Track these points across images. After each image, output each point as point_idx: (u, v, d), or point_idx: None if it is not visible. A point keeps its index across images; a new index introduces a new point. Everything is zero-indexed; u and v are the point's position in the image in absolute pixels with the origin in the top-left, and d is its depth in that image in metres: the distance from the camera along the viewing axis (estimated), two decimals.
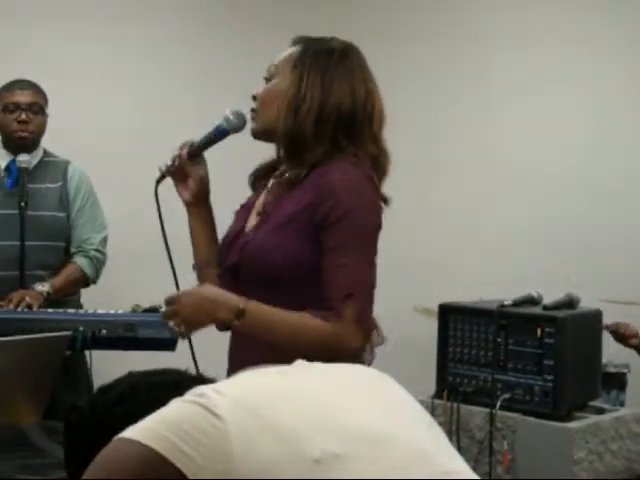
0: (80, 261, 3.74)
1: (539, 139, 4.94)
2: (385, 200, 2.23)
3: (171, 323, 2.12)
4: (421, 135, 4.83)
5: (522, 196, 4.94)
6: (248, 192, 2.37)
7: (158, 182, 2.32)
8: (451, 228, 4.86)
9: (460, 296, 3.74)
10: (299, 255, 2.11)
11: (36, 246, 3.61)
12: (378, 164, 2.20)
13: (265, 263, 2.14)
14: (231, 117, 2.29)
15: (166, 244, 2.32)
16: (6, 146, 3.76)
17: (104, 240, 3.82)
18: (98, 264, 3.78)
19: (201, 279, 2.33)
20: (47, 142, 3.85)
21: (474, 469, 3.40)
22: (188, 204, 2.36)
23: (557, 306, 3.52)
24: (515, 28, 4.99)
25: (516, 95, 4.97)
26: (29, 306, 3.36)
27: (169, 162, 2.32)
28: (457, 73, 4.97)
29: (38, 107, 3.74)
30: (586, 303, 3.66)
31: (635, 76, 4.91)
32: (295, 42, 2.27)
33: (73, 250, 3.76)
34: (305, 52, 2.21)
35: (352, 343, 2.07)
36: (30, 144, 3.74)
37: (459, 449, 3.34)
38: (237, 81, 4.68)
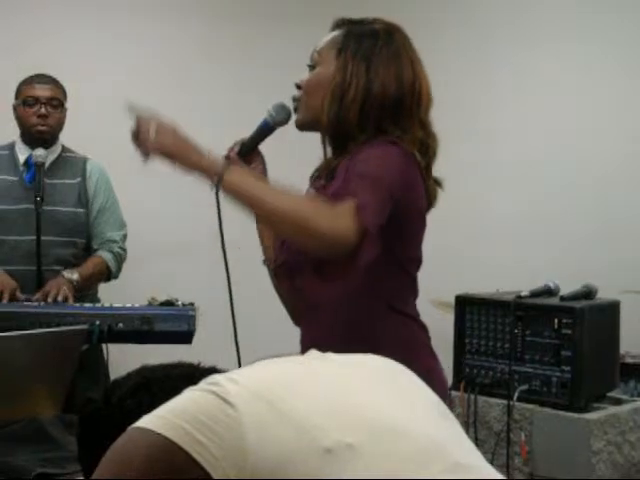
0: (105, 255, 3.76)
1: (553, 130, 4.93)
2: (438, 183, 2.20)
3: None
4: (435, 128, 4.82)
5: (538, 187, 4.93)
6: None
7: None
8: (467, 220, 4.85)
9: (477, 287, 3.73)
10: None
11: (53, 241, 3.62)
12: (427, 148, 2.15)
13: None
14: (273, 111, 2.25)
15: (222, 242, 2.25)
16: (25, 140, 3.77)
17: (124, 237, 3.86)
18: (121, 260, 3.82)
19: (272, 275, 2.30)
20: (64, 138, 3.87)
21: (492, 461, 3.40)
22: None
23: (574, 297, 3.51)
24: (521, 23, 5.00)
25: (526, 87, 4.99)
26: (65, 299, 3.37)
27: None
28: (464, 66, 4.97)
29: (57, 102, 3.75)
30: (605, 294, 3.65)
31: None
32: (337, 25, 2.21)
33: (96, 247, 3.78)
34: (348, 37, 2.15)
35: (348, 232, 1.96)
36: (49, 138, 3.75)
37: (476, 441, 3.34)
38: (254, 78, 4.72)
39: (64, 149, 3.84)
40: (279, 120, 2.25)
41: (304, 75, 2.21)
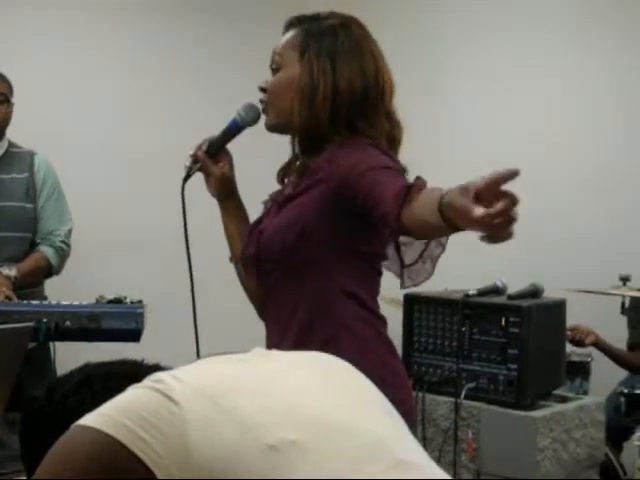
0: (46, 250, 3.72)
1: (507, 130, 4.97)
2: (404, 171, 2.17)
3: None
4: None
5: None
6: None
7: (184, 181, 2.29)
8: None
9: (425, 286, 3.74)
10: (316, 221, 2.06)
11: (4, 237, 3.59)
12: (392, 137, 2.15)
13: (280, 241, 2.09)
14: (242, 111, 2.25)
15: (186, 241, 2.27)
16: None
17: (69, 232, 3.81)
18: (63, 255, 3.77)
19: (239, 271, 2.30)
20: (11, 134, 3.83)
21: (439, 458, 3.42)
22: (216, 199, 2.33)
23: (521, 296, 3.55)
24: (475, 22, 5.04)
25: (480, 87, 5.02)
26: (8, 297, 3.32)
27: (187, 163, 2.29)
28: (418, 67, 4.99)
29: (3, 97, 3.71)
30: (551, 293, 3.69)
31: None
32: (291, 24, 2.19)
33: (38, 240, 3.74)
34: (309, 36, 2.14)
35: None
36: None
37: (424, 438, 3.36)
38: (197, 75, 4.70)
39: (11, 144, 3.80)
40: (248, 120, 2.26)
41: (268, 78, 2.19)
